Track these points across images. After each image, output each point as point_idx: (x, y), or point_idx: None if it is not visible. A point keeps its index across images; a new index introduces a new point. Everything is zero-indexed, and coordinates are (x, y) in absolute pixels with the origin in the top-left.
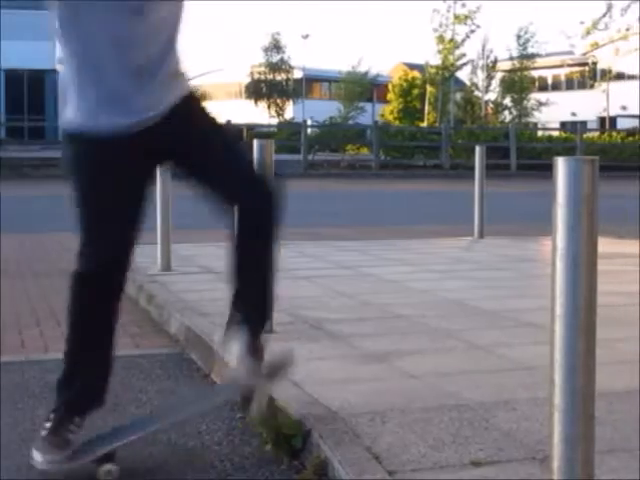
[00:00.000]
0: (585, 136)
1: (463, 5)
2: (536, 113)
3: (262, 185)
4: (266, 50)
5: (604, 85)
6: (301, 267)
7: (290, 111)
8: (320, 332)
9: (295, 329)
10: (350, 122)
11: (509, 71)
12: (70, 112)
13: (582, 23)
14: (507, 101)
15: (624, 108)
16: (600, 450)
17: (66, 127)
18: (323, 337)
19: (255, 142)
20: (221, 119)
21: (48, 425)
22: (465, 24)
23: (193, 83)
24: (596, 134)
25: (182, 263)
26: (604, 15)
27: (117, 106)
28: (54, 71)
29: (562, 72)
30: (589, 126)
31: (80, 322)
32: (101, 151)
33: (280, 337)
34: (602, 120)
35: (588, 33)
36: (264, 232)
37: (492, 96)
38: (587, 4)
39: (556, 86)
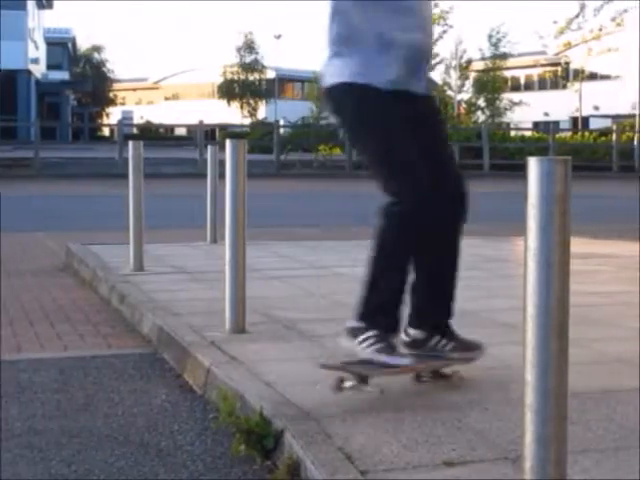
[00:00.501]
0: (558, 136)
1: (436, 5)
2: (509, 113)
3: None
4: (239, 50)
5: (577, 85)
6: (274, 267)
7: (263, 111)
8: (293, 332)
9: (267, 329)
10: (323, 122)
11: (482, 71)
12: (374, 71)
13: (555, 22)
14: (480, 101)
15: (596, 108)
16: (572, 450)
17: (376, 83)
18: (296, 337)
19: (228, 142)
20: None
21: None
22: (438, 24)
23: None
24: (569, 134)
25: (154, 263)
26: (577, 16)
27: (415, 73)
28: (27, 71)
29: (535, 72)
30: (562, 126)
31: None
32: (404, 102)
33: (252, 337)
34: (575, 120)
35: (561, 33)
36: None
37: (465, 96)
38: (560, 4)
39: (529, 86)
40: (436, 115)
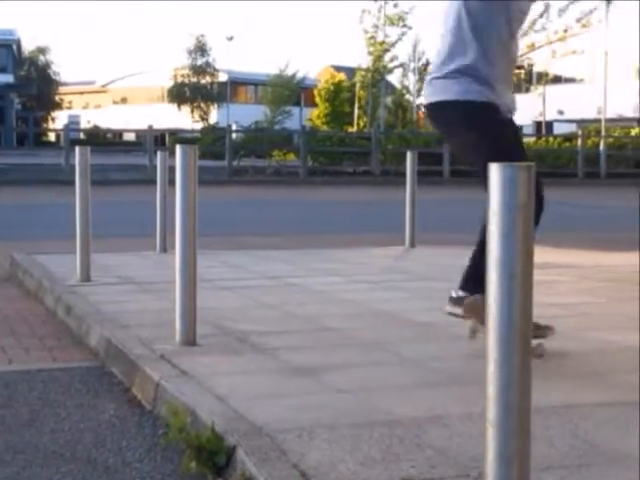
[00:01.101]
0: None
1: (395, 5)
2: None
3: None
4: (190, 52)
5: (540, 89)
6: (225, 277)
7: (214, 116)
8: (245, 345)
9: (219, 341)
10: (277, 127)
11: None
12: (489, 91)
13: None
14: None
15: (561, 113)
16: (536, 467)
17: (486, 100)
18: (248, 350)
19: (178, 148)
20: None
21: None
22: (397, 25)
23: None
24: (532, 139)
25: (102, 273)
26: (541, 15)
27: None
28: None
29: None
30: (525, 131)
31: None
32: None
33: (203, 350)
34: (538, 125)
35: (524, 34)
36: None
37: (424, 100)
38: None
39: None
40: None
